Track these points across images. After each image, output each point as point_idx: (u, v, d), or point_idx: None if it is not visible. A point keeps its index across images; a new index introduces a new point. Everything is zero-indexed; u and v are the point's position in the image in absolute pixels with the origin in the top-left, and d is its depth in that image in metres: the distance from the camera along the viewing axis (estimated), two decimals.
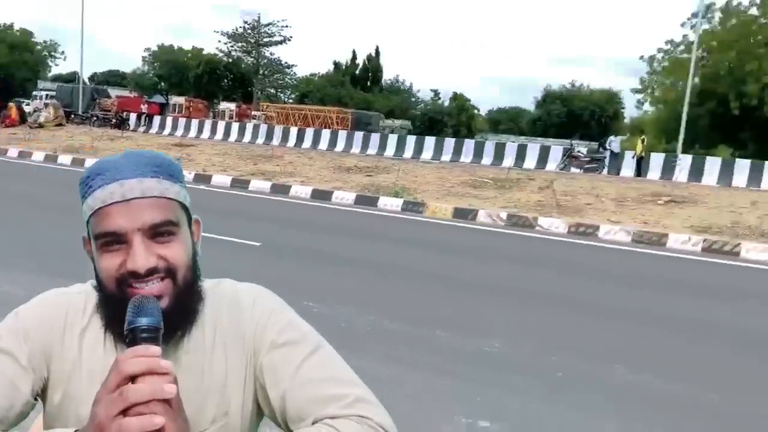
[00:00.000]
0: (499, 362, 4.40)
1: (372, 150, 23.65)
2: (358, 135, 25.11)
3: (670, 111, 32.86)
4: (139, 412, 0.79)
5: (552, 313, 5.84)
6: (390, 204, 13.02)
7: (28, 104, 33.12)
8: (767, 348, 5.17)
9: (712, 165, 19.13)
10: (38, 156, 18.81)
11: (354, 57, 57.72)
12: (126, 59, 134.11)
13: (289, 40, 50.08)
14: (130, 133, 27.02)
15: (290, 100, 51.73)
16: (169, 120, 30.13)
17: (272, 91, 52.91)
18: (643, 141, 20.74)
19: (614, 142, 21.22)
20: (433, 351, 4.55)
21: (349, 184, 15.08)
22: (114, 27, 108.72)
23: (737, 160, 20.05)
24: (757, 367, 4.70)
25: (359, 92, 53.06)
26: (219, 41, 56.72)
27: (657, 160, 20.17)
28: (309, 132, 26.24)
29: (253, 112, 39.71)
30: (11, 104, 30.08)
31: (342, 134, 25.71)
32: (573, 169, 20.48)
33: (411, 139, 24.40)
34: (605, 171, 20.38)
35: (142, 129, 29.70)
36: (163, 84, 50.24)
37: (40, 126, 26.69)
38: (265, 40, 49.60)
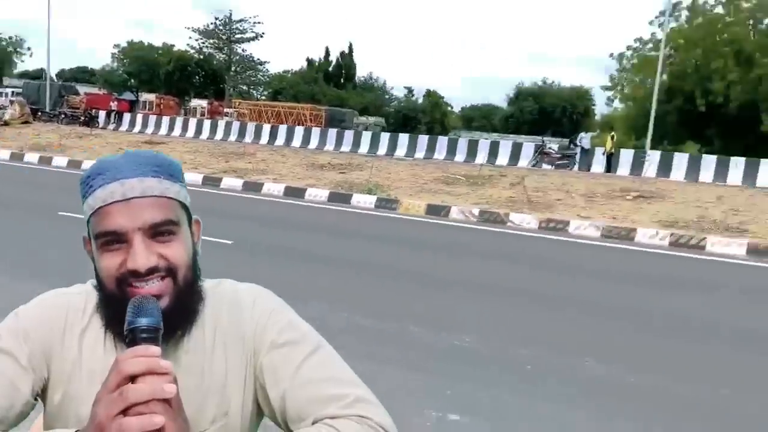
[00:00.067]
0: (471, 356, 4.46)
1: (346, 147, 23.64)
2: (332, 132, 25.07)
3: (639, 108, 33.40)
4: (139, 411, 0.79)
5: (523, 308, 5.93)
6: (363, 201, 13.03)
7: None
8: (733, 338, 5.32)
9: (680, 161, 19.53)
10: (3, 154, 18.41)
11: (327, 54, 57.60)
12: (95, 56, 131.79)
13: (262, 36, 49.73)
14: (99, 131, 26.59)
15: (263, 97, 51.39)
16: (139, 117, 29.72)
17: (244, 88, 52.54)
18: (612, 137, 21.07)
19: (585, 139, 21.53)
20: (407, 347, 4.59)
21: (323, 182, 15.06)
22: (82, 23, 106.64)
23: (704, 156, 20.50)
24: (723, 357, 4.83)
25: (333, 89, 52.93)
26: (190, 37, 56.02)
27: (626, 156, 20.51)
28: (282, 129, 26.11)
29: (225, 109, 39.35)
30: None
31: (315, 131, 25.64)
32: (544, 166, 20.74)
33: (385, 136, 24.44)
34: (576, 167, 20.68)
35: (111, 126, 29.25)
36: (133, 81, 49.55)
37: (6, 124, 26.11)
38: (237, 36, 49.18)
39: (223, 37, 49.17)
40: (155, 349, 0.83)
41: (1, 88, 37.95)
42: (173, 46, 50.66)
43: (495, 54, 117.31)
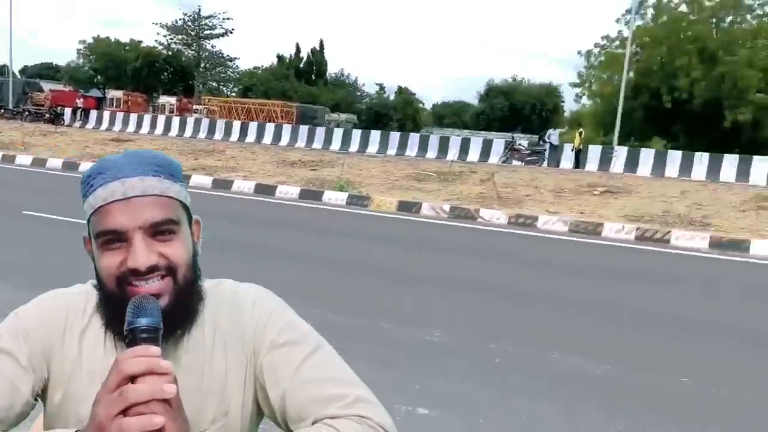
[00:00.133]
0: (440, 351, 4.50)
1: (317, 144, 23.57)
2: (303, 129, 24.98)
3: (606, 105, 33.94)
4: (139, 412, 0.80)
5: (492, 302, 6.00)
6: (335, 198, 13.03)
7: None
8: (695, 329, 5.46)
9: (646, 156, 19.92)
10: None
11: (298, 50, 57.31)
12: (60, 52, 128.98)
13: (231, 32, 49.40)
14: (64, 128, 26.09)
15: (233, 94, 50.95)
16: (106, 114, 29.24)
17: (214, 84, 52.02)
18: (580, 134, 21.38)
19: (553, 135, 21.81)
20: (377, 343, 4.61)
21: (294, 179, 15.00)
22: (46, 18, 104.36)
23: (669, 151, 20.94)
24: (687, 348, 4.96)
25: (304, 86, 52.68)
26: (158, 33, 55.37)
27: (594, 152, 20.84)
28: (252, 126, 25.93)
29: (194, 106, 38.91)
30: None
31: (286, 128, 25.52)
32: (515, 162, 20.94)
33: (357, 133, 24.44)
34: (545, 163, 20.93)
35: (77, 124, 28.73)
36: (99, 77, 48.70)
37: None
38: (206, 32, 48.68)
39: (192, 33, 48.62)
40: (155, 349, 0.84)
41: None
42: (141, 42, 49.92)
43: (465, 51, 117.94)
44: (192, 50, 49.52)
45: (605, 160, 20.10)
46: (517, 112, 55.05)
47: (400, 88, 57.71)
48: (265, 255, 7.43)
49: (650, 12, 34.20)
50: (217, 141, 23.30)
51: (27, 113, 30.27)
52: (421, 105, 61.56)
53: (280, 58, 56.92)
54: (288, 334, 1.05)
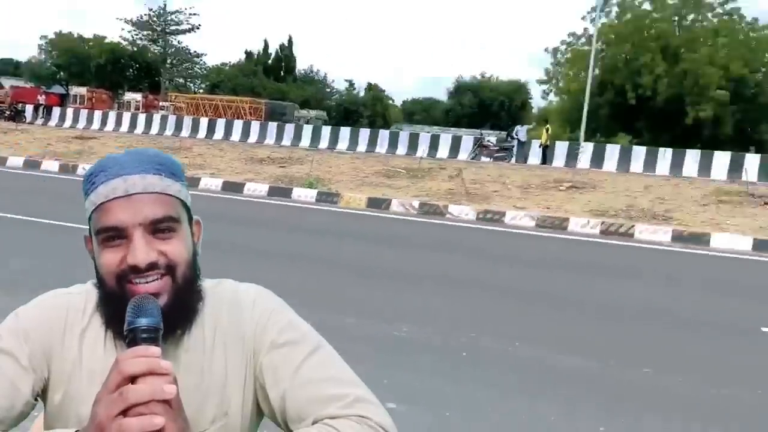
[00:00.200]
0: (408, 346, 4.54)
1: (286, 141, 23.43)
2: (272, 126, 24.79)
3: (573, 101, 34.42)
4: (140, 412, 0.80)
5: (460, 297, 6.06)
6: (304, 195, 12.99)
7: None
8: (657, 319, 5.59)
9: (612, 152, 20.25)
10: None
11: (266, 46, 56.73)
12: (20, 47, 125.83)
13: (198, 28, 48.65)
14: (26, 126, 25.48)
15: (200, 90, 50.27)
16: (69, 111, 28.63)
17: (181, 80, 51.27)
18: (547, 130, 21.63)
19: (521, 132, 22.01)
20: (346, 338, 4.61)
21: (262, 176, 14.91)
22: (4, 12, 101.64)
23: (634, 147, 21.32)
24: (650, 337, 5.08)
25: (272, 82, 52.25)
26: (123, 29, 54.32)
27: (561, 148, 21.11)
28: (220, 123, 25.65)
29: (160, 103, 38.33)
30: None
31: (255, 125, 25.30)
32: (483, 158, 21.10)
33: (326, 130, 24.34)
34: (513, 159, 21.13)
35: (40, 121, 28.09)
36: (62, 74, 47.57)
37: None
38: (172, 28, 47.91)
39: (158, 28, 47.81)
40: (155, 350, 0.84)
41: None
42: (105, 37, 48.85)
43: (435, 47, 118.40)
44: (158, 46, 48.71)
45: (572, 156, 20.38)
46: (485, 108, 55.47)
47: (369, 84, 57.65)
48: (233, 252, 7.37)
49: (615, 9, 34.82)
50: (184, 138, 22.98)
51: None
52: (390, 101, 61.63)
53: (248, 54, 56.33)
54: (288, 334, 1.06)
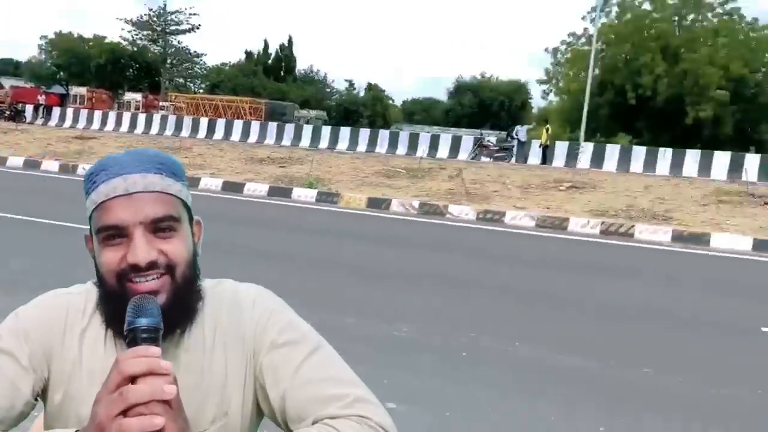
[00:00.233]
0: (408, 346, 4.54)
1: (286, 141, 23.42)
2: (272, 126, 24.78)
3: (573, 101, 34.41)
4: (140, 412, 0.80)
5: (460, 297, 6.06)
6: (304, 195, 12.99)
7: None
8: (657, 319, 5.59)
9: (612, 152, 20.25)
10: None
11: (266, 46, 56.71)
12: (20, 47, 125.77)
13: (198, 28, 48.65)
14: (26, 126, 25.48)
15: (200, 90, 50.26)
16: (69, 111, 28.63)
17: (181, 80, 51.27)
18: (547, 130, 21.62)
19: (521, 132, 22.01)
20: (346, 338, 4.60)
21: (262, 176, 14.91)
22: (4, 12, 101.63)
23: (634, 147, 21.31)
24: (650, 337, 5.08)
25: (272, 82, 52.24)
26: (123, 29, 54.31)
27: (561, 148, 21.10)
28: (220, 123, 25.64)
29: (160, 103, 38.32)
30: None
31: (255, 125, 25.29)
32: (483, 158, 21.09)
33: (326, 130, 24.33)
34: (513, 159, 21.12)
35: (40, 121, 28.09)
36: (62, 74, 47.55)
37: None
38: (173, 28, 47.90)
39: (158, 28, 47.81)
40: (155, 350, 0.84)
41: None
42: (105, 37, 48.84)
43: (436, 47, 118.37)
44: (158, 46, 48.72)
45: (572, 156, 20.38)
46: (485, 108, 55.45)
47: (369, 84, 57.63)
48: (233, 253, 7.37)
49: (615, 9, 34.82)
50: (184, 138, 22.99)
51: None
52: (391, 101, 61.62)
53: (248, 54, 56.31)
54: (288, 334, 1.06)
